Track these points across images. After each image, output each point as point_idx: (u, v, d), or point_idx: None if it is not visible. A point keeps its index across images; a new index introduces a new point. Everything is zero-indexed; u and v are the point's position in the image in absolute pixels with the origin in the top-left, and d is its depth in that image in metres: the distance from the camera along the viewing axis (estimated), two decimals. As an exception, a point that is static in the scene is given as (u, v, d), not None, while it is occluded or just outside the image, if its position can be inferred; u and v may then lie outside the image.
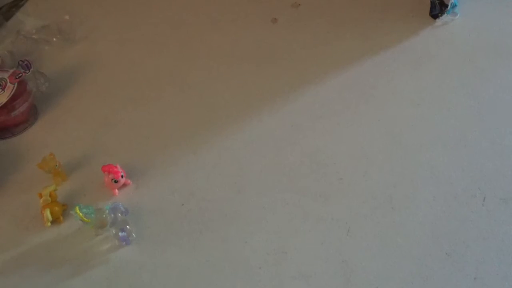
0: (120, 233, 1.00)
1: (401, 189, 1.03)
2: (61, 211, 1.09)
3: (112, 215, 1.03)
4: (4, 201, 1.16)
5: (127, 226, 1.02)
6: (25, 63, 1.36)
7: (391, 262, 0.92)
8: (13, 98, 1.28)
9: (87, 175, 1.18)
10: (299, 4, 1.60)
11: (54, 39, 1.61)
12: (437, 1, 1.39)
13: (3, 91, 1.28)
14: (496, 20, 1.40)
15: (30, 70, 1.35)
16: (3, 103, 1.27)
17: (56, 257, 1.02)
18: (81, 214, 1.01)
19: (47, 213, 1.06)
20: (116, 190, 1.12)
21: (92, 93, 1.42)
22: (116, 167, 1.11)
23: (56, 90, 1.42)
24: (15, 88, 1.29)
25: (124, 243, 1.01)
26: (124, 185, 1.13)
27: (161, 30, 1.61)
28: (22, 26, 1.65)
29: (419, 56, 1.34)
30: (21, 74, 1.32)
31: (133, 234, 1.02)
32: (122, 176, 1.11)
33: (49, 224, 1.06)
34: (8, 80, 1.30)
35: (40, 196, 1.09)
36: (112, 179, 1.10)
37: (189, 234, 1.03)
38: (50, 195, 1.09)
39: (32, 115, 1.36)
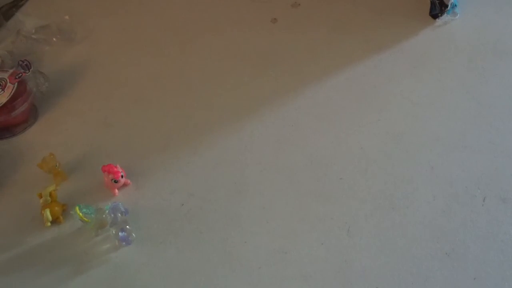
0: (120, 233, 1.00)
1: (401, 189, 1.03)
2: (61, 211, 1.09)
3: (112, 215, 1.03)
4: (4, 201, 1.16)
5: (127, 226, 1.02)
6: (25, 63, 1.36)
7: (391, 262, 0.92)
8: (13, 98, 1.28)
9: (87, 175, 1.18)
10: (299, 4, 1.60)
11: (54, 39, 1.61)
12: (437, 1, 1.40)
13: (3, 91, 1.28)
14: (496, 20, 1.40)
15: (30, 70, 1.35)
16: (3, 103, 1.27)
17: (56, 257, 1.02)
18: (81, 214, 1.01)
19: (47, 213, 1.05)
20: (116, 190, 1.12)
21: (92, 93, 1.42)
22: (116, 167, 1.11)
23: (56, 90, 1.42)
24: (15, 88, 1.29)
25: (124, 243, 1.01)
26: (124, 185, 1.13)
27: (161, 30, 1.61)
28: (22, 26, 1.64)
29: (419, 56, 1.34)
30: (21, 74, 1.32)
31: (133, 234, 1.02)
32: (122, 176, 1.11)
33: (49, 224, 1.06)
34: (8, 80, 1.30)
35: (40, 196, 1.09)
36: (112, 179, 1.10)
37: (189, 234, 1.03)
38: (50, 195, 1.09)
39: (32, 115, 1.36)
